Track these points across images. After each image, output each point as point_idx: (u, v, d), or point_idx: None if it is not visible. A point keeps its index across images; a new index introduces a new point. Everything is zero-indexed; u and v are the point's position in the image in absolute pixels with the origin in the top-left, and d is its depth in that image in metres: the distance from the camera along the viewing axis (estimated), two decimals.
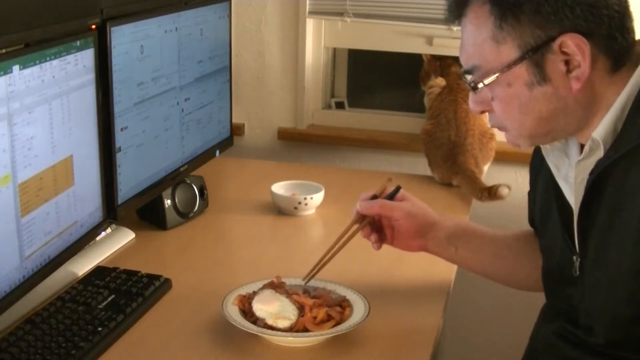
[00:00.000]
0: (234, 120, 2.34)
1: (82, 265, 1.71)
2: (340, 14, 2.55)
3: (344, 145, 2.64)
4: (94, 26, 1.61)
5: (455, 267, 1.74)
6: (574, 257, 1.33)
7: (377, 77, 2.91)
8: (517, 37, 1.22)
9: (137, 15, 1.77)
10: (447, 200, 2.20)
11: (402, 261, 1.73)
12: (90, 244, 1.74)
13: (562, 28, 1.20)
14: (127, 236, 1.89)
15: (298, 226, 2.03)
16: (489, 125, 2.30)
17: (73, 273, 1.67)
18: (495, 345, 2.58)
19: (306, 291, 1.52)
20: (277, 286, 1.50)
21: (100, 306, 1.50)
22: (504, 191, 2.12)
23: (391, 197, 1.57)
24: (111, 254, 1.80)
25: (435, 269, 1.70)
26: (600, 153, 1.25)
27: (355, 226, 1.55)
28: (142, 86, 1.81)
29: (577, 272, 1.33)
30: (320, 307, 1.45)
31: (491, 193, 2.13)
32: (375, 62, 2.84)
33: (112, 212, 1.75)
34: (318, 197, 2.08)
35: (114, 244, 1.84)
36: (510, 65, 1.23)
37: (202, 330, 1.48)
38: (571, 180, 1.32)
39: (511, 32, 1.22)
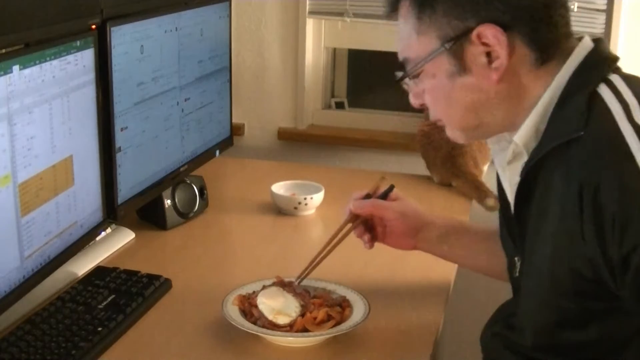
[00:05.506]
0: (234, 120, 2.34)
1: (82, 265, 1.71)
2: (340, 14, 2.55)
3: (344, 145, 2.64)
4: (94, 26, 1.61)
5: (455, 267, 1.74)
6: (516, 258, 1.32)
7: (377, 77, 2.90)
8: (437, 29, 1.22)
9: (137, 15, 1.77)
10: (447, 200, 2.20)
11: (402, 261, 1.73)
12: (90, 244, 1.74)
13: (479, 19, 1.19)
14: (127, 236, 1.89)
15: (298, 226, 2.03)
16: None
17: (73, 273, 1.67)
18: None
19: (306, 291, 1.52)
20: (285, 285, 1.50)
21: (100, 306, 1.50)
22: (489, 202, 2.11)
23: (384, 196, 1.56)
24: (111, 254, 1.80)
25: (435, 269, 1.70)
26: (525, 156, 1.23)
27: (349, 225, 1.55)
28: (142, 86, 1.81)
29: (517, 274, 1.32)
30: (320, 307, 1.45)
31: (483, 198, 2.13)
32: (375, 62, 2.83)
33: (112, 212, 1.75)
34: (318, 197, 2.08)
35: (114, 244, 1.84)
36: (431, 56, 1.23)
37: (202, 330, 1.48)
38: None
39: (430, 24, 1.22)
